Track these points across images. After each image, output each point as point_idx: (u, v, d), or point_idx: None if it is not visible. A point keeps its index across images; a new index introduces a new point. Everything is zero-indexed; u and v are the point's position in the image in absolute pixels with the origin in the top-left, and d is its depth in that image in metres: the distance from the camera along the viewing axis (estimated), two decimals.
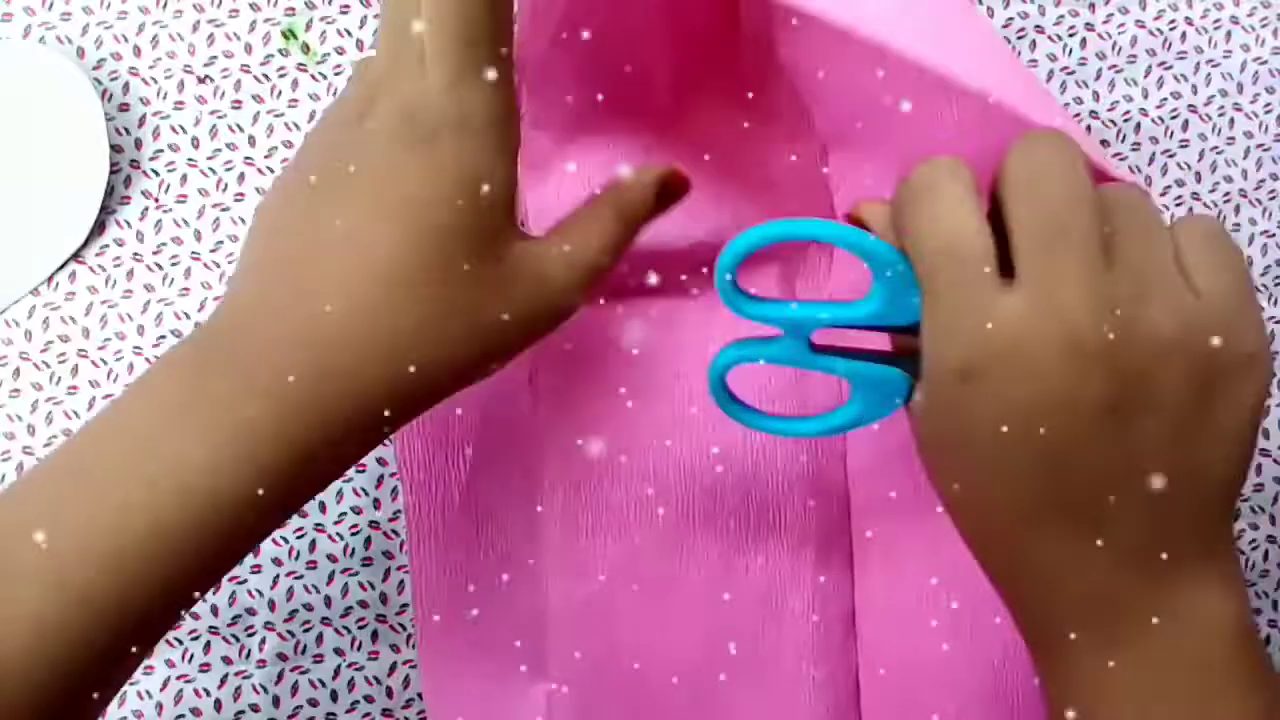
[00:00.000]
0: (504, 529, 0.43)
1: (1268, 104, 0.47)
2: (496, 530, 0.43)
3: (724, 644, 0.43)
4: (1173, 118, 0.46)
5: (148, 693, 0.42)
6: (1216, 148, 0.47)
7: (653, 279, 0.42)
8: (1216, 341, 0.26)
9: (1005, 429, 0.27)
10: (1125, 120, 0.46)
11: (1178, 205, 0.46)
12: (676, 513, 0.43)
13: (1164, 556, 0.27)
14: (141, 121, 0.43)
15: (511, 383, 0.43)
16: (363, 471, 0.43)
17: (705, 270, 0.43)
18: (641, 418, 0.43)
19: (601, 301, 0.43)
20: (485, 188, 0.28)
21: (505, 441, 0.42)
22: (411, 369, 0.28)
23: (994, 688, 0.42)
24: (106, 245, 0.43)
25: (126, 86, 0.43)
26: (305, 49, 0.44)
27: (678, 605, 0.43)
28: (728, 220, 0.42)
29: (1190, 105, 0.47)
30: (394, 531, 0.43)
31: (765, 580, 0.43)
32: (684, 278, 0.43)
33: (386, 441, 0.40)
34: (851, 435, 0.43)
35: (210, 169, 0.43)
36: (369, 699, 0.43)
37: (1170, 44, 0.46)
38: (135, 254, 0.43)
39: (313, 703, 0.43)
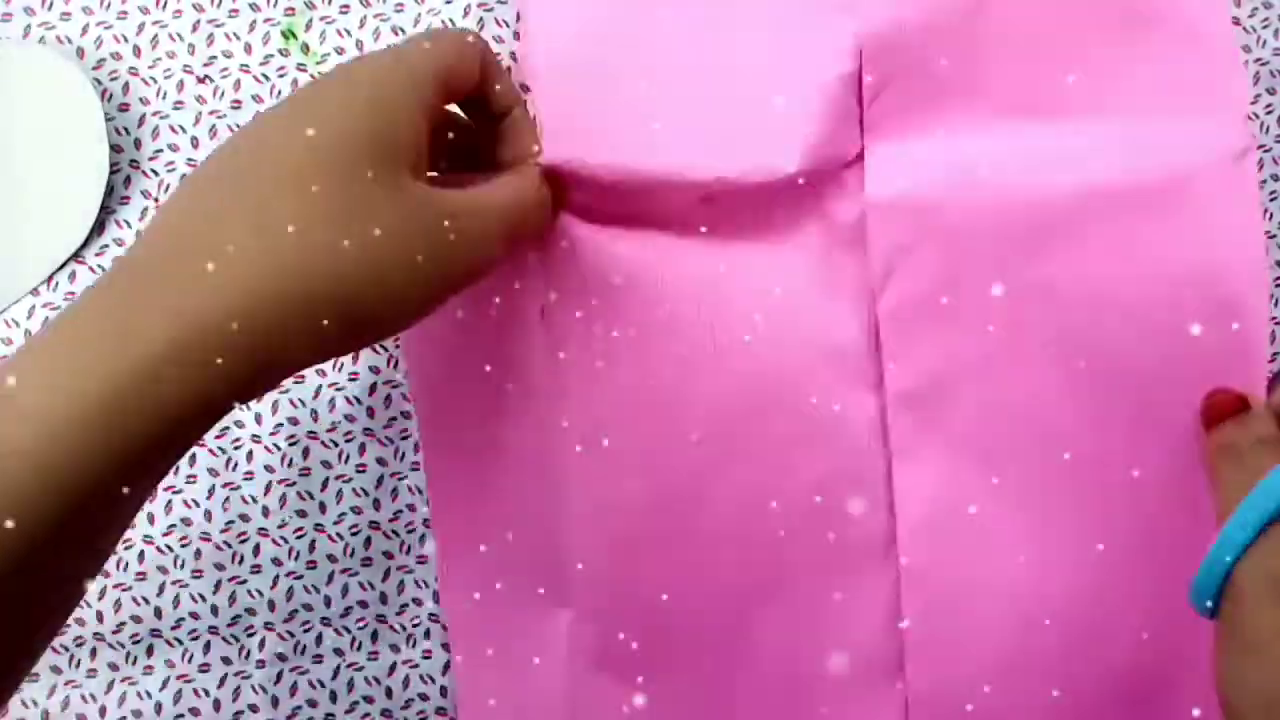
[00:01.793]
0: (522, 460, 0.42)
1: (1268, 105, 0.47)
2: (515, 462, 0.42)
3: (752, 572, 0.42)
4: None
5: (147, 693, 0.42)
6: None
7: (659, 212, 0.41)
8: None
9: None
10: None
11: None
12: (702, 443, 0.42)
13: None
14: (141, 121, 0.43)
15: (523, 315, 0.42)
16: (363, 472, 0.43)
17: (713, 205, 0.42)
18: (659, 351, 0.41)
19: (612, 234, 0.42)
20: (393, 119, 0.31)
21: (521, 372, 0.42)
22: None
23: (1047, 613, 0.41)
24: (106, 245, 0.43)
25: (126, 86, 0.43)
26: (305, 49, 0.44)
27: (705, 533, 0.42)
28: (740, 152, 0.40)
29: None
30: (394, 532, 0.43)
31: (794, 508, 0.42)
32: (698, 213, 0.42)
33: (396, 391, 0.40)
34: (886, 360, 0.42)
35: None
36: (369, 699, 0.43)
37: None
38: None
39: (312, 703, 0.43)
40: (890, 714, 0.42)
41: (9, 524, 0.25)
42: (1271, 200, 0.47)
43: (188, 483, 0.43)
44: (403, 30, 0.44)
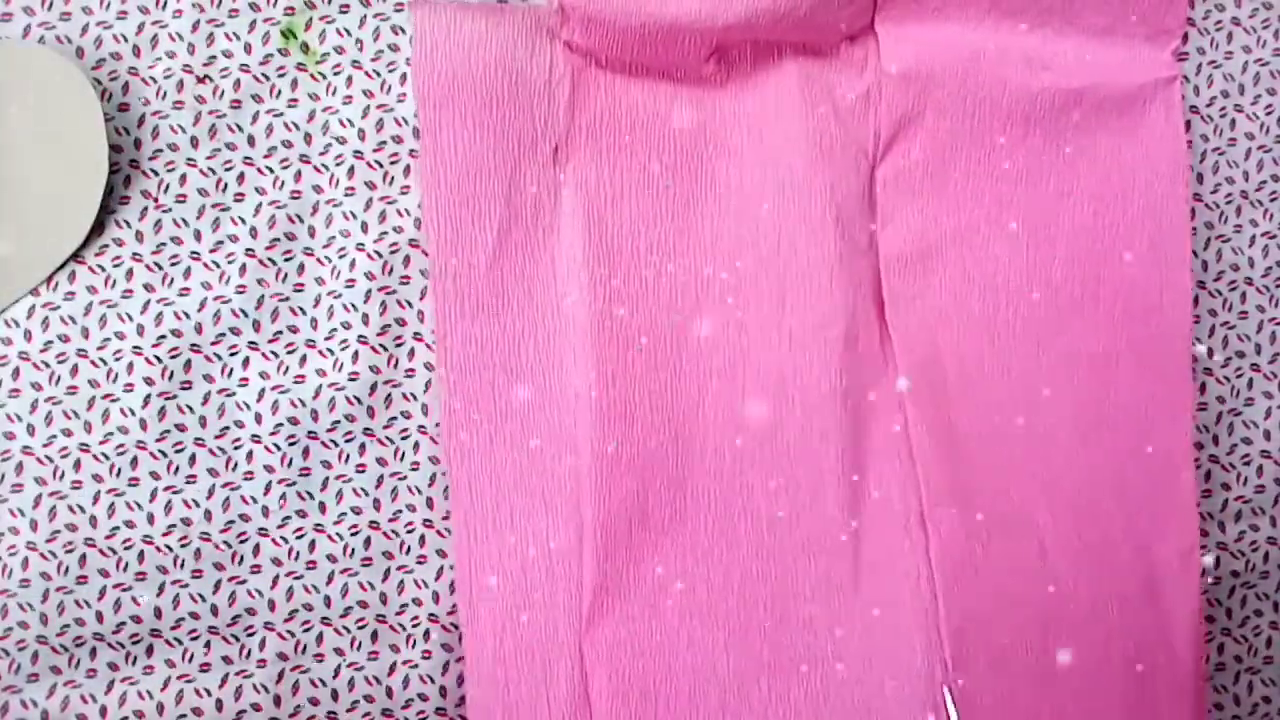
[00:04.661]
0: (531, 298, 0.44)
1: (1269, 105, 0.47)
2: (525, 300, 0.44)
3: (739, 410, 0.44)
4: None
5: (148, 693, 0.42)
6: (1218, 149, 0.47)
7: (668, 64, 0.44)
8: None
9: None
10: None
11: None
12: (689, 282, 0.44)
13: None
14: (141, 121, 0.43)
15: (536, 153, 0.43)
16: (363, 472, 0.43)
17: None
18: (659, 195, 0.44)
19: (623, 80, 0.44)
20: None
21: (533, 215, 0.43)
22: None
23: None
24: (106, 245, 0.43)
25: (126, 86, 0.43)
26: (305, 49, 0.44)
27: (692, 371, 0.44)
28: None
29: (1192, 106, 0.47)
30: (394, 532, 0.43)
31: (787, 347, 0.44)
32: (705, 67, 0.44)
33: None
34: (880, 224, 0.45)
35: (210, 169, 0.43)
36: (369, 699, 0.43)
37: None
38: (135, 254, 0.43)
39: (314, 701, 0.43)
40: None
41: None
42: (1272, 200, 0.47)
43: (188, 483, 0.43)
44: (402, 30, 0.44)
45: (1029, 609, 0.43)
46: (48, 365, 0.42)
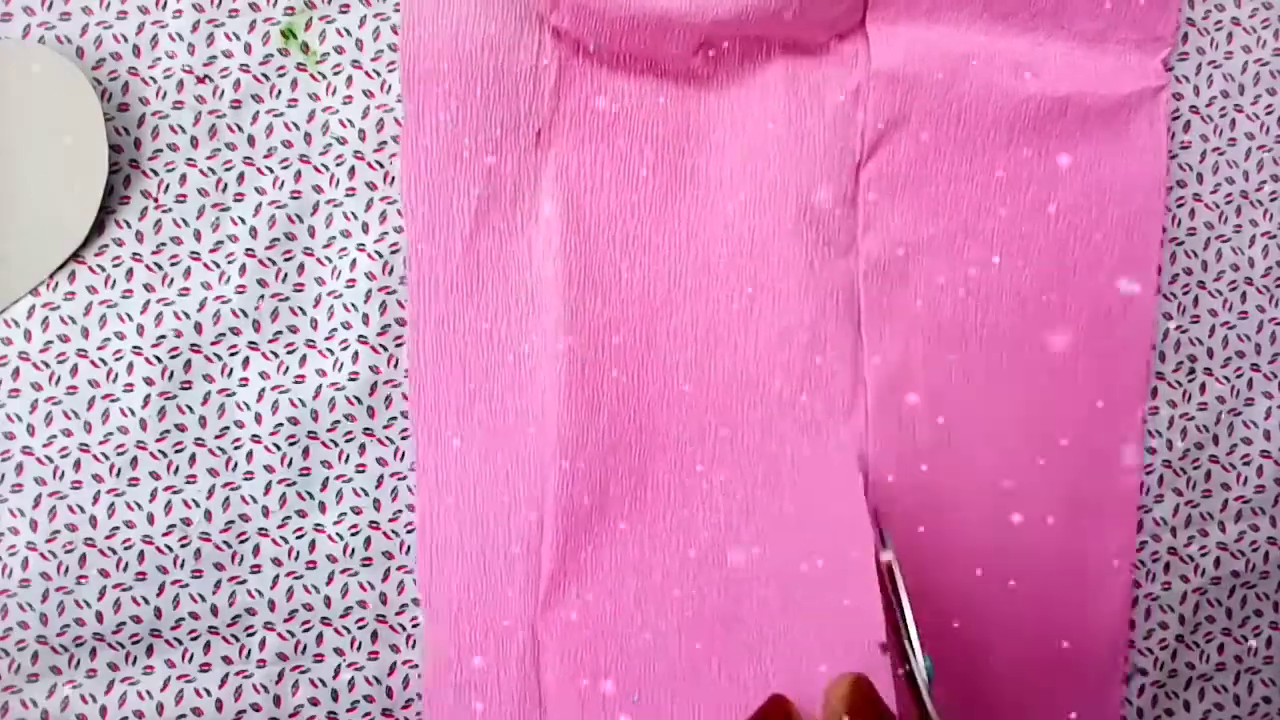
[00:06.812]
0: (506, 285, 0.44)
1: (1269, 105, 0.47)
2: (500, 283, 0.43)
3: (709, 414, 0.45)
4: (1174, 118, 0.46)
5: (148, 693, 0.42)
6: (1218, 149, 0.47)
7: (656, 56, 0.43)
8: None
9: None
10: None
11: (1179, 206, 0.46)
12: (670, 280, 0.44)
13: None
14: (141, 121, 0.43)
15: (519, 137, 0.43)
16: (363, 472, 0.43)
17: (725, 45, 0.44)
18: (640, 188, 0.44)
19: (609, 69, 0.44)
20: None
21: (509, 212, 0.43)
22: None
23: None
24: (106, 245, 0.43)
25: (126, 86, 0.43)
26: (305, 49, 0.44)
27: (664, 368, 0.44)
28: None
29: (1192, 106, 0.47)
30: (394, 532, 0.43)
31: (761, 354, 0.44)
32: (693, 60, 0.44)
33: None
34: (861, 227, 0.45)
35: (210, 169, 0.43)
36: (369, 699, 0.43)
37: None
38: (135, 254, 0.43)
39: (314, 702, 0.43)
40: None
41: None
42: (1272, 200, 0.47)
43: (188, 483, 0.43)
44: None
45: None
46: (48, 365, 0.42)
